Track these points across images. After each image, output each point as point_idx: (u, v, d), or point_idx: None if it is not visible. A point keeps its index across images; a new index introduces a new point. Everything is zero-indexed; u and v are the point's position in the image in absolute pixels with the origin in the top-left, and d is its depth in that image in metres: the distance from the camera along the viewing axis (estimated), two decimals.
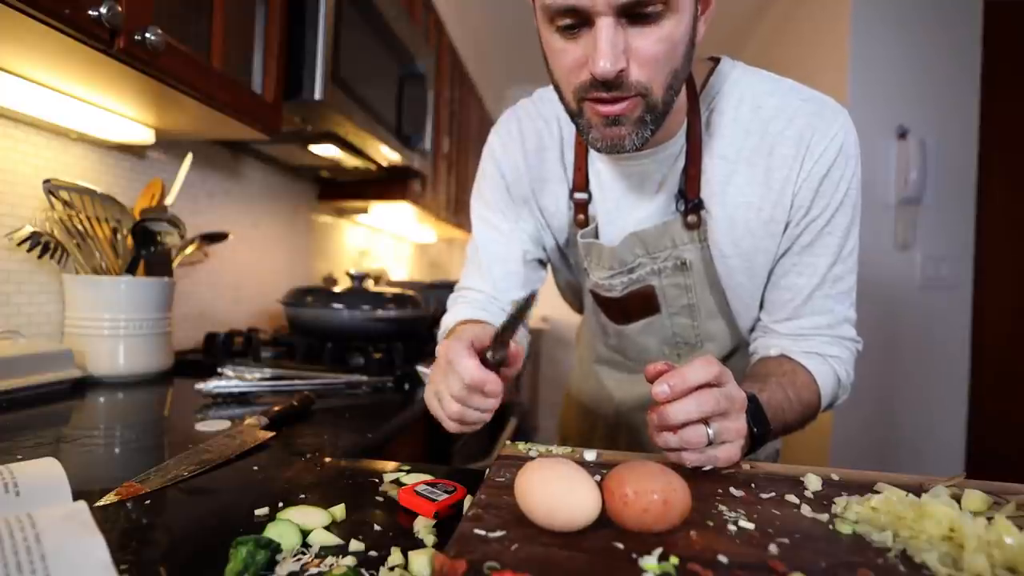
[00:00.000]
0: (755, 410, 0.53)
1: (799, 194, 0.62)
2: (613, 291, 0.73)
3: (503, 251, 0.78)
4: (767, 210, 0.64)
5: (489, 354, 0.49)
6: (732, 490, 0.43)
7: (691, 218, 0.65)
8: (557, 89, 0.59)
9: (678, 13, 0.51)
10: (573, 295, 0.91)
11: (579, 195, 0.71)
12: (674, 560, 0.31)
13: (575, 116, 0.58)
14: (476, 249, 0.80)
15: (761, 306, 0.72)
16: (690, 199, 0.65)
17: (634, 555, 0.32)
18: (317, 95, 1.10)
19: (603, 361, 0.91)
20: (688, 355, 0.76)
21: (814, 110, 0.62)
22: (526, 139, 0.75)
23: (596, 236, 0.72)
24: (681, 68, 0.55)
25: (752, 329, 0.75)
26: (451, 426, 0.52)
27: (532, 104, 0.76)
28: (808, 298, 0.66)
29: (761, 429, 0.53)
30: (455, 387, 0.49)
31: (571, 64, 0.54)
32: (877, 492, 0.41)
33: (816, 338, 0.67)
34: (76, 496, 0.35)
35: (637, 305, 0.74)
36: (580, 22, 0.51)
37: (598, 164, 0.71)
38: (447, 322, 0.78)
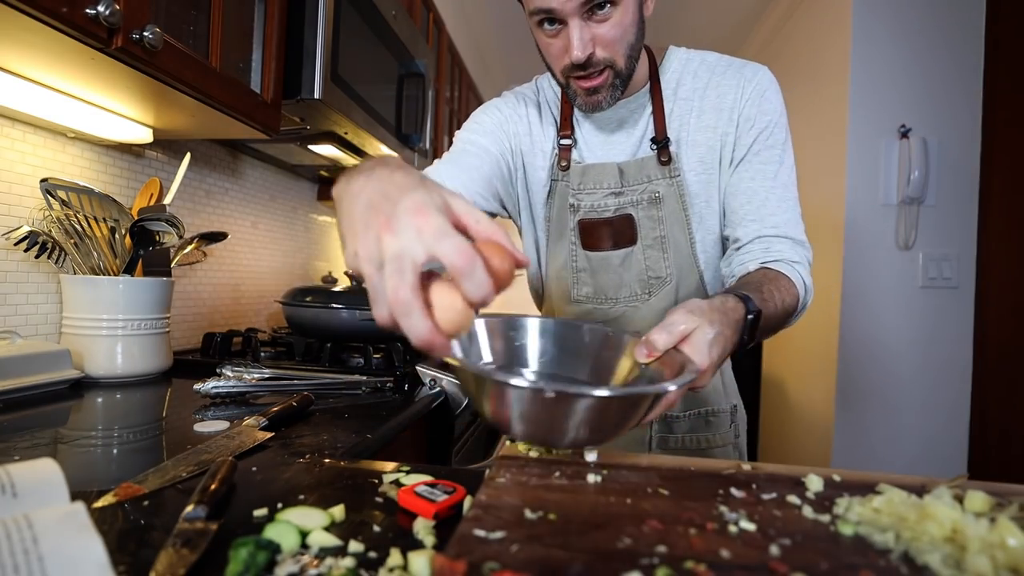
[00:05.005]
0: (752, 322, 0.60)
1: (744, 111, 0.79)
2: (606, 211, 0.84)
3: (477, 156, 0.84)
4: (721, 127, 0.80)
5: None
6: (733, 491, 0.42)
7: (663, 156, 0.81)
8: (549, 68, 0.78)
9: (623, 5, 0.69)
10: (538, 266, 0.94)
11: (564, 141, 0.86)
12: (664, 571, 0.31)
13: (564, 88, 0.78)
14: (461, 152, 0.85)
15: (724, 229, 0.83)
16: (660, 139, 0.81)
17: (635, 556, 0.32)
18: (316, 94, 1.10)
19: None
20: (659, 292, 0.84)
21: (742, 62, 0.82)
22: (519, 103, 0.91)
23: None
24: (635, 41, 0.74)
25: (713, 276, 0.85)
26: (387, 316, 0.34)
27: (516, 89, 0.93)
28: (764, 200, 0.77)
29: (751, 338, 0.60)
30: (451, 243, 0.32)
31: (556, 52, 0.73)
32: (879, 493, 0.41)
33: (779, 242, 0.76)
34: (74, 497, 0.35)
35: (621, 229, 0.84)
36: (557, 21, 0.70)
37: (579, 117, 0.87)
38: None
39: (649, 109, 0.83)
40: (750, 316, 0.59)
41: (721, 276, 0.83)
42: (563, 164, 0.85)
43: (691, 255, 0.83)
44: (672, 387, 0.43)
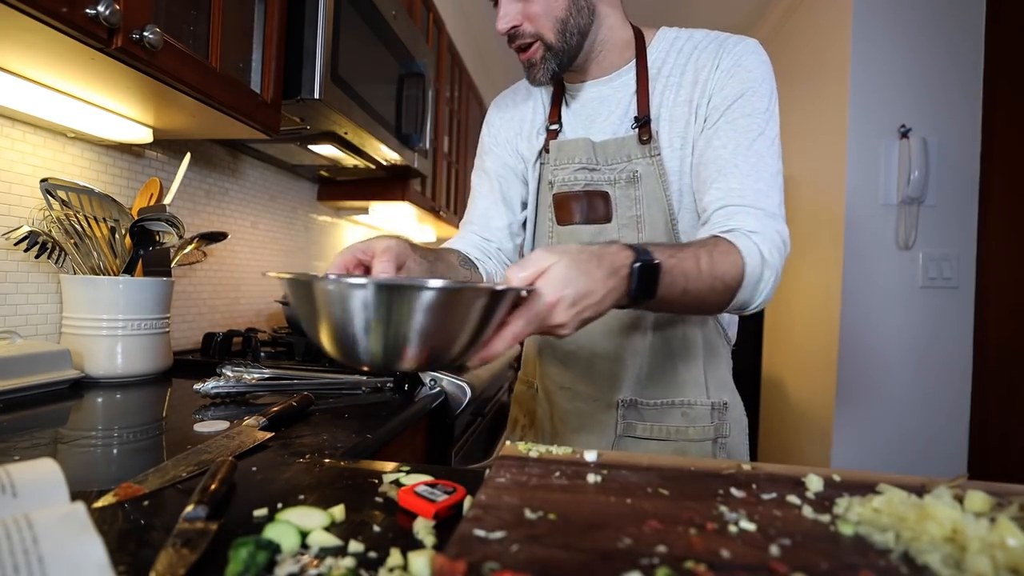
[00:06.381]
0: (643, 272, 0.55)
1: (717, 81, 0.77)
2: (576, 185, 0.85)
3: (486, 194, 0.96)
4: (695, 100, 0.78)
5: None
6: (733, 491, 0.42)
7: (644, 135, 0.80)
8: None
9: None
10: (531, 247, 0.98)
11: (552, 126, 0.88)
12: (664, 571, 0.31)
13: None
14: (471, 201, 0.98)
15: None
16: (641, 117, 0.80)
17: (635, 556, 0.32)
18: (316, 94, 1.10)
19: None
20: None
21: (727, 35, 0.80)
22: (517, 91, 0.97)
23: None
24: (566, 16, 0.75)
25: None
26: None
27: (520, 82, 0.98)
28: (734, 168, 0.72)
29: (644, 288, 0.56)
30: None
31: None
32: (879, 493, 0.41)
33: (742, 212, 0.69)
34: (74, 497, 0.35)
35: (595, 204, 0.84)
36: None
37: (568, 98, 0.89)
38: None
39: (633, 88, 0.83)
40: (638, 264, 0.54)
41: None
42: (547, 147, 0.88)
43: (672, 235, 0.82)
44: (491, 287, 0.46)
